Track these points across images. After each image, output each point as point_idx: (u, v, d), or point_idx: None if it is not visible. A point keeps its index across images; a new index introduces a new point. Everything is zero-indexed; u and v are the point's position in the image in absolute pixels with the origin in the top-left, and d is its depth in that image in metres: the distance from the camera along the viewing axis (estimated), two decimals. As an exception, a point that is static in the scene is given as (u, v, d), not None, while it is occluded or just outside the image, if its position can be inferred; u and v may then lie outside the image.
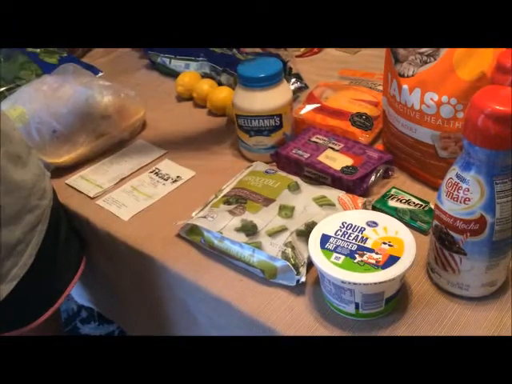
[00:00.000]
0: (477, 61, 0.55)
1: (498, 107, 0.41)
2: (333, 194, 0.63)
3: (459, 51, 0.56)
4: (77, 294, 0.90)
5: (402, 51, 0.61)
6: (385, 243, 0.50)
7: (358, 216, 0.54)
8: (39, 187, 0.62)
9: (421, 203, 0.63)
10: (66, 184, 0.74)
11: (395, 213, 0.62)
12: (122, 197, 0.71)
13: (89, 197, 0.71)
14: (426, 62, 0.59)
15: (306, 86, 0.90)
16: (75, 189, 0.73)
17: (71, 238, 0.71)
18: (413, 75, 0.60)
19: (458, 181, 0.45)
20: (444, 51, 0.58)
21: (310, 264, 0.54)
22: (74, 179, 0.75)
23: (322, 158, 0.69)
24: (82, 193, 0.72)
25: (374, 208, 0.64)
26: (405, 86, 0.61)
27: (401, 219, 0.60)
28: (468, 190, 0.45)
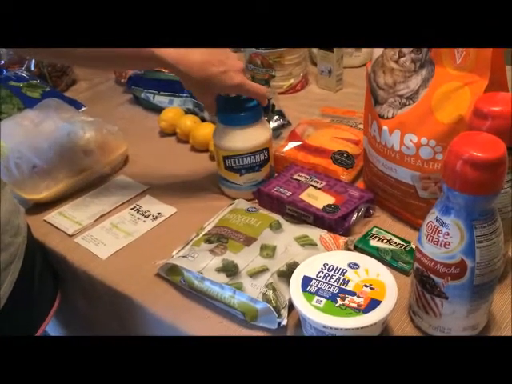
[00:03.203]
0: (455, 104, 0.56)
1: (475, 153, 0.41)
2: (314, 233, 0.63)
3: (437, 94, 0.58)
4: (54, 331, 0.87)
5: (381, 93, 0.63)
6: (366, 286, 0.50)
7: (340, 257, 0.54)
8: (12, 224, 0.61)
9: (402, 243, 0.63)
10: (44, 221, 0.73)
11: (377, 252, 0.62)
12: (101, 234, 0.69)
13: (67, 234, 0.70)
14: (405, 105, 0.60)
15: (289, 123, 0.91)
16: (53, 226, 0.72)
17: (46, 274, 0.69)
18: (392, 117, 0.61)
19: (438, 224, 0.46)
20: (423, 94, 0.59)
21: (292, 306, 0.53)
22: (52, 216, 0.73)
23: (303, 196, 0.69)
24: (61, 230, 0.71)
25: (356, 247, 0.63)
26: (385, 128, 0.62)
27: (382, 259, 0.60)
28: (448, 234, 0.45)
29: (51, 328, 0.85)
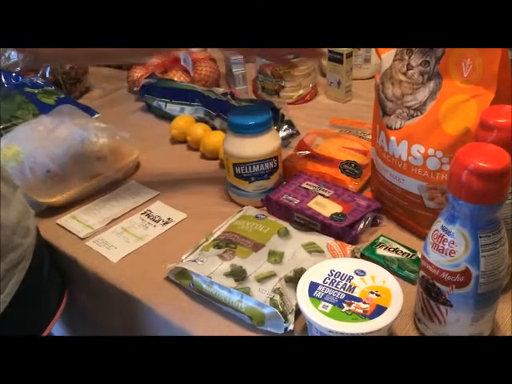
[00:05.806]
0: (461, 116, 0.57)
1: (480, 164, 0.42)
2: (322, 240, 0.64)
3: (445, 106, 0.59)
4: (60, 333, 0.88)
5: (389, 104, 0.64)
6: (372, 292, 0.51)
7: (347, 264, 0.55)
8: (23, 225, 0.63)
9: (408, 252, 0.64)
10: (57, 224, 0.74)
11: (383, 261, 0.63)
12: (112, 238, 0.71)
13: (79, 237, 0.71)
14: (412, 116, 0.61)
15: (298, 133, 0.92)
16: (66, 229, 0.73)
17: (53, 275, 0.71)
18: (400, 128, 0.62)
19: (444, 233, 0.47)
20: (430, 106, 0.60)
21: (299, 311, 0.54)
22: (65, 219, 0.75)
23: (311, 204, 0.70)
24: (73, 233, 0.72)
25: (363, 256, 0.64)
26: (392, 138, 0.63)
27: (388, 268, 0.61)
28: (453, 243, 0.46)
29: (58, 330, 0.86)
